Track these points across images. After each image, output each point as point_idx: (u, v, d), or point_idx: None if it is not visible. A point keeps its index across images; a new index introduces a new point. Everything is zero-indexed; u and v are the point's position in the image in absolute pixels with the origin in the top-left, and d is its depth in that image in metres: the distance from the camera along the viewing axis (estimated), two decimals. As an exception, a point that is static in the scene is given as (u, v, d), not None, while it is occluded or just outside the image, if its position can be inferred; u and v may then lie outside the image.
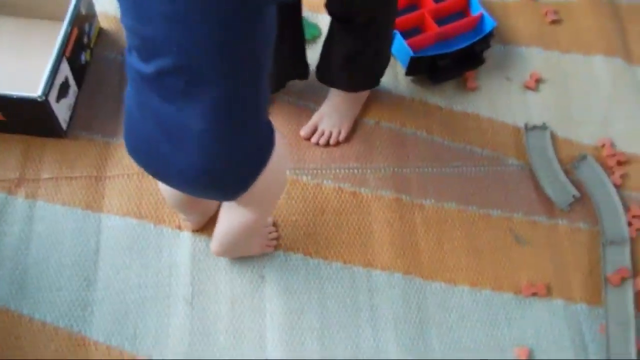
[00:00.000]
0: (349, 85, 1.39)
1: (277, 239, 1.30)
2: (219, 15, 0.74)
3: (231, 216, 1.12)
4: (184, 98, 0.80)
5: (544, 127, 1.47)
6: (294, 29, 1.30)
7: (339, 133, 1.41)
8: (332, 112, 1.42)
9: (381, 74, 1.42)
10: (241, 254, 1.27)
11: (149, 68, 0.80)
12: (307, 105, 1.47)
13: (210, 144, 0.84)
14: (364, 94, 1.45)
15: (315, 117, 1.43)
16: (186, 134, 0.84)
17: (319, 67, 1.41)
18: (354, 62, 1.32)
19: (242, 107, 0.84)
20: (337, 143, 1.41)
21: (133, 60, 0.83)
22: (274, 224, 1.32)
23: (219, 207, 1.24)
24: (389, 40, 1.36)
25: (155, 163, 0.92)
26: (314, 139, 1.42)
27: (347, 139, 1.42)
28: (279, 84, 1.41)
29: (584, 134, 1.48)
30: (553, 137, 1.46)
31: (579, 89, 1.54)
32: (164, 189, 1.13)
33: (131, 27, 0.80)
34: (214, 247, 1.23)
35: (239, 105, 0.83)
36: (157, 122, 0.85)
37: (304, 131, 1.42)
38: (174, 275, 1.26)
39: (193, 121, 0.82)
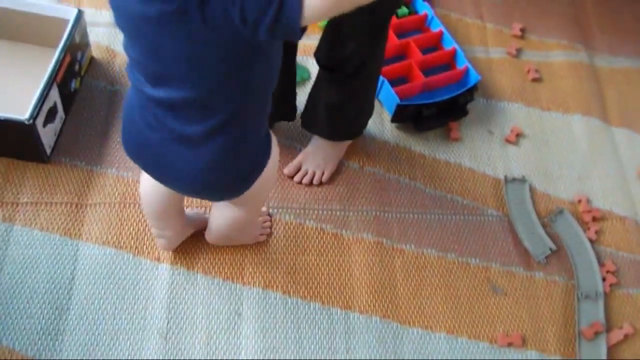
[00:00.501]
0: (332, 134, 1.41)
1: (270, 227, 1.34)
2: (233, 54, 0.78)
3: (224, 213, 1.17)
4: (191, 118, 0.86)
5: (523, 180, 1.50)
6: (287, 71, 1.33)
7: (322, 174, 1.42)
8: (316, 153, 1.43)
9: (364, 125, 1.44)
10: (234, 243, 1.30)
11: (157, 92, 0.84)
12: (293, 145, 1.48)
13: (216, 158, 0.90)
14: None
15: (300, 157, 1.45)
16: (191, 146, 0.89)
17: (303, 114, 1.44)
18: (338, 112, 1.35)
19: (246, 124, 0.90)
20: (320, 183, 1.42)
21: (136, 78, 0.87)
22: (269, 214, 1.35)
23: (194, 230, 1.30)
24: (373, 92, 1.39)
25: (155, 166, 0.98)
26: (296, 178, 1.43)
27: (331, 180, 1.43)
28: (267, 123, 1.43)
29: (562, 189, 1.52)
30: (532, 190, 1.50)
31: (558, 146, 1.58)
32: (145, 199, 1.15)
33: (138, 60, 0.83)
34: (208, 238, 1.26)
35: (243, 122, 0.89)
36: (159, 130, 0.90)
37: (287, 169, 1.44)
38: (150, 308, 1.24)
39: (199, 135, 0.87)
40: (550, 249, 1.40)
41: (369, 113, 1.43)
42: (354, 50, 1.22)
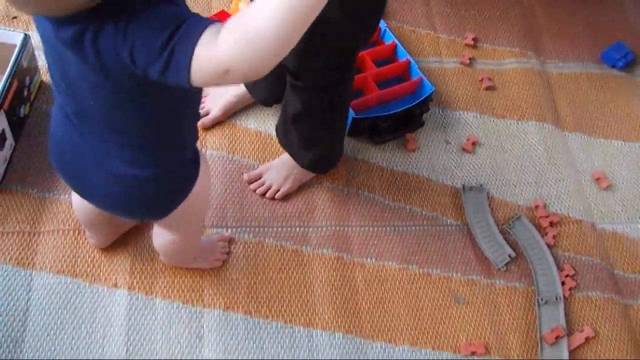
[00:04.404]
0: (294, 152, 1.39)
1: (228, 253, 1.33)
2: (129, 88, 0.77)
3: (159, 237, 1.17)
4: (98, 133, 0.86)
5: (481, 188, 1.52)
6: None
7: (278, 190, 1.41)
8: (280, 169, 1.42)
9: (329, 157, 1.42)
10: (189, 265, 1.28)
11: (68, 105, 0.86)
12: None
13: (132, 175, 0.89)
14: None
15: (263, 167, 1.44)
16: (109, 162, 0.89)
17: (277, 128, 1.42)
18: (302, 124, 1.32)
19: (161, 148, 0.89)
20: (273, 198, 1.41)
21: (57, 93, 0.88)
22: (230, 241, 1.34)
23: (127, 229, 1.31)
24: (338, 121, 1.34)
25: (78, 182, 0.98)
26: (252, 186, 1.43)
27: (289, 196, 1.43)
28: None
29: (519, 195, 1.53)
30: (490, 198, 1.51)
31: (514, 153, 1.60)
32: (76, 205, 1.16)
33: (54, 79, 0.85)
34: (162, 259, 1.26)
35: (157, 146, 0.88)
36: (81, 147, 0.90)
37: (247, 175, 1.43)
38: (108, 336, 1.21)
39: (114, 155, 0.87)
40: (510, 255, 1.41)
41: (339, 149, 1.42)
42: (324, 65, 1.17)
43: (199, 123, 1.39)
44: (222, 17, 1.66)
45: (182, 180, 0.96)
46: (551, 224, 1.49)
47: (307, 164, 1.40)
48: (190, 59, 0.64)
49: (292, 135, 1.36)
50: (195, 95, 0.89)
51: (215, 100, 1.51)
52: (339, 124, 1.36)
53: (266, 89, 1.46)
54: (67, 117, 0.87)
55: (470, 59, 1.75)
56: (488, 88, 1.71)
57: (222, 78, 0.64)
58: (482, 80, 1.72)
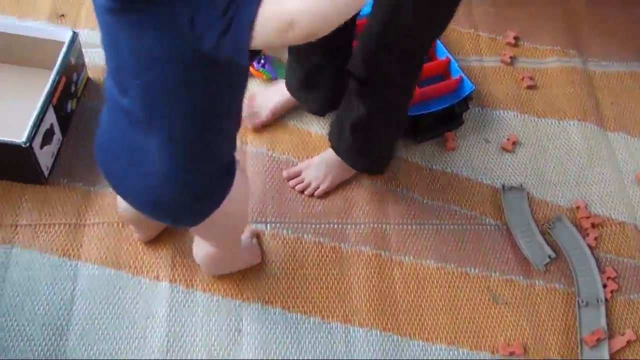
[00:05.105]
0: (354, 161, 1.40)
1: (260, 249, 1.34)
2: (183, 66, 0.77)
3: (199, 249, 1.18)
4: (147, 130, 0.86)
5: (521, 188, 1.50)
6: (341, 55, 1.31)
7: (317, 188, 1.42)
8: (320, 166, 1.43)
9: (385, 159, 1.42)
10: (226, 271, 1.29)
11: (122, 101, 0.85)
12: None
13: (166, 175, 0.89)
14: None
15: (302, 164, 1.45)
16: (146, 160, 0.89)
17: (330, 134, 1.42)
18: (364, 133, 1.32)
19: (199, 148, 0.89)
20: (312, 195, 1.42)
21: (110, 85, 0.87)
22: (257, 236, 1.35)
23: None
24: (401, 119, 1.35)
25: (117, 179, 0.98)
26: (291, 183, 1.44)
27: (328, 193, 1.44)
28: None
29: (560, 195, 1.51)
30: (530, 198, 1.50)
31: (555, 152, 1.58)
32: (120, 201, 1.16)
33: (106, 54, 0.85)
34: (202, 269, 1.27)
35: (194, 143, 0.87)
36: (124, 144, 0.91)
37: (286, 172, 1.44)
38: (150, 327, 1.24)
39: (153, 151, 0.87)
40: (550, 256, 1.40)
41: (393, 143, 1.40)
42: (388, 72, 1.18)
43: (250, 125, 1.42)
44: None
45: (216, 187, 0.96)
46: (592, 225, 1.46)
47: (366, 167, 1.41)
48: (255, 15, 0.67)
49: (349, 142, 1.36)
50: (238, 93, 0.88)
51: (263, 104, 1.52)
52: (399, 125, 1.35)
53: (321, 99, 1.46)
54: (116, 110, 0.89)
55: (511, 57, 1.74)
56: (529, 87, 1.69)
57: (284, 33, 0.67)
58: (523, 79, 1.70)
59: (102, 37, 0.82)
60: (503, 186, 1.50)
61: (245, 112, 1.40)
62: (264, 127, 1.52)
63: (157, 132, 0.86)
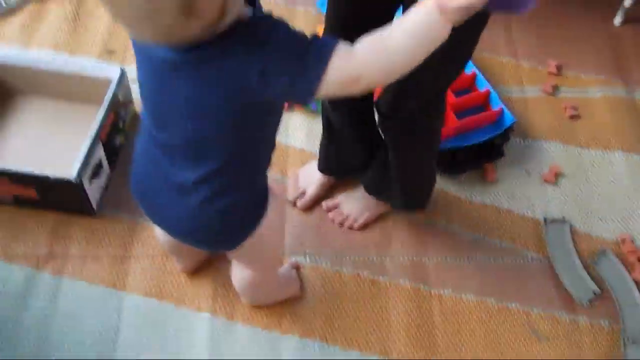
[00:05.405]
0: (385, 197, 1.40)
1: (300, 280, 1.35)
2: (233, 105, 0.82)
3: (237, 274, 1.21)
4: (184, 165, 0.91)
5: (563, 221, 1.48)
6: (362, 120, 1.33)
7: (355, 221, 1.43)
8: (359, 200, 1.44)
9: (422, 195, 1.40)
10: (265, 300, 1.31)
11: (160, 135, 0.90)
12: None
13: (202, 204, 0.93)
14: None
15: (342, 196, 1.47)
16: (183, 190, 0.93)
17: (363, 179, 1.43)
18: (395, 167, 1.32)
19: (238, 178, 0.93)
20: (350, 228, 1.44)
21: (147, 119, 0.92)
22: (297, 268, 1.36)
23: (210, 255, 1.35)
24: (432, 157, 1.33)
25: (152, 207, 1.02)
26: (330, 215, 1.45)
27: (367, 226, 1.45)
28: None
29: (604, 229, 1.48)
30: (573, 231, 1.47)
31: (599, 184, 1.56)
32: (158, 231, 1.20)
33: (147, 98, 0.90)
34: (242, 298, 1.30)
35: (234, 176, 0.92)
36: (159, 174, 0.95)
37: (326, 204, 1.46)
38: (192, 357, 1.26)
39: (189, 183, 0.92)
40: (594, 292, 1.37)
41: (434, 178, 1.39)
42: (416, 107, 1.18)
43: (299, 205, 1.45)
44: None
45: (250, 213, 0.99)
46: (639, 260, 1.43)
47: (402, 205, 1.41)
48: (325, 68, 0.74)
49: (378, 181, 1.38)
50: (276, 125, 0.93)
51: (308, 179, 1.48)
52: (431, 161, 1.35)
53: (360, 157, 1.41)
54: (153, 145, 0.93)
55: (553, 87, 1.72)
56: (572, 117, 1.67)
57: (350, 85, 0.77)
58: (565, 109, 1.68)
59: (143, 78, 0.87)
60: (545, 219, 1.48)
61: (290, 191, 1.46)
62: (302, 159, 1.54)
63: (197, 167, 0.90)
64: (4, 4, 1.80)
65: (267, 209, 1.01)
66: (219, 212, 0.95)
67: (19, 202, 1.41)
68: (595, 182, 1.56)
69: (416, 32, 0.74)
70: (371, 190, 1.42)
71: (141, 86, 0.89)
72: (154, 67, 0.84)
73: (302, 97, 0.79)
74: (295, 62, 0.75)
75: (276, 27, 0.77)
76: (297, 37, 0.77)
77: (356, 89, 0.77)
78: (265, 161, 0.98)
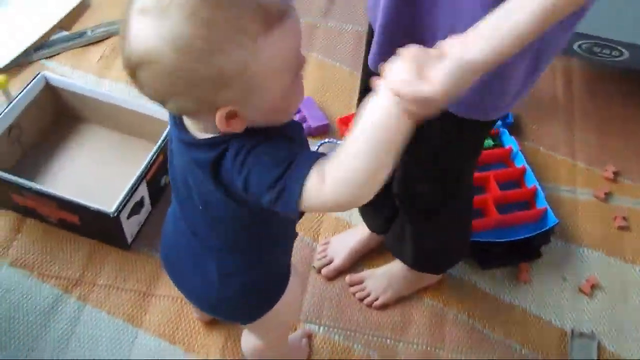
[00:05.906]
0: (412, 261, 1.37)
1: (309, 350, 1.36)
2: (240, 209, 0.83)
3: (246, 341, 1.21)
4: (206, 243, 0.93)
5: (592, 337, 1.42)
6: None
7: (376, 299, 1.42)
8: (383, 278, 1.44)
9: (450, 262, 1.39)
10: None
11: (180, 206, 0.93)
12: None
13: (223, 281, 0.95)
14: (427, 279, 1.43)
15: (367, 272, 1.46)
16: (205, 266, 0.95)
17: (387, 236, 1.42)
18: (420, 243, 1.31)
19: (257, 259, 0.95)
20: (370, 305, 1.42)
21: (172, 194, 0.96)
22: (309, 336, 1.36)
23: None
24: (463, 231, 1.32)
25: (178, 277, 1.05)
26: (352, 289, 1.45)
27: (387, 306, 1.43)
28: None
29: (635, 350, 1.41)
30: (600, 348, 1.41)
31: (637, 304, 1.49)
32: None
33: (170, 175, 0.94)
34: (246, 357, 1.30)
35: (254, 257, 0.94)
36: (184, 247, 0.97)
37: (349, 278, 1.46)
38: (189, 408, 1.28)
39: (212, 260, 0.93)
40: (611, 419, 1.30)
41: (457, 251, 1.37)
42: (427, 192, 1.18)
43: (324, 272, 1.46)
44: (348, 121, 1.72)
45: (269, 292, 1.01)
46: (667, 393, 1.35)
47: (412, 261, 1.37)
48: (300, 195, 0.71)
49: (405, 248, 1.36)
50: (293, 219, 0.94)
51: (338, 249, 1.47)
52: (458, 227, 1.32)
53: (384, 221, 1.41)
54: (179, 217, 0.96)
55: (606, 193, 1.67)
56: (621, 228, 1.61)
57: (328, 211, 0.72)
58: (615, 218, 1.62)
59: (174, 157, 0.90)
60: (572, 330, 1.42)
61: (318, 257, 1.47)
62: (329, 226, 1.53)
63: (215, 248, 0.93)
64: (89, 33, 1.93)
65: (286, 288, 1.02)
66: (238, 291, 0.97)
67: (63, 225, 1.49)
68: (634, 301, 1.49)
69: (372, 134, 0.66)
70: (388, 246, 1.41)
71: (170, 153, 0.93)
72: (177, 148, 0.87)
73: (288, 213, 0.74)
74: (273, 182, 0.72)
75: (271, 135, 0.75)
76: (281, 155, 0.73)
77: (337, 211, 0.71)
78: (285, 244, 0.99)
